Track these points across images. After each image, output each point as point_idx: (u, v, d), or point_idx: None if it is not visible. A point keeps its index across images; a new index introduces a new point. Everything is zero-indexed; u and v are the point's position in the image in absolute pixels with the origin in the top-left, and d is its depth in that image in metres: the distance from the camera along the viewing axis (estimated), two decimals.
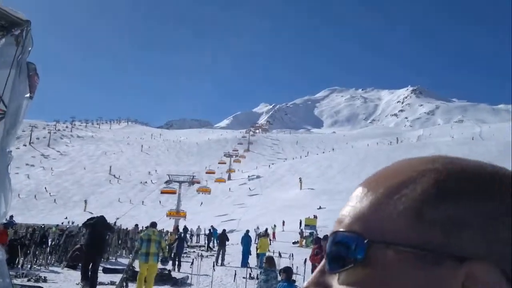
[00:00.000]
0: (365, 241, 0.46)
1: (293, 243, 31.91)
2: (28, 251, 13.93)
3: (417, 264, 0.44)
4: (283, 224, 43.12)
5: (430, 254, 0.44)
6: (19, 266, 13.05)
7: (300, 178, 79.10)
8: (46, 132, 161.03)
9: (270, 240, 25.82)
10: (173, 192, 56.71)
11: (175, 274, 14.56)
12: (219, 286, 12.94)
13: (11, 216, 25.33)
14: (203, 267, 14.55)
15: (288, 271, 7.50)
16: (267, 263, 9.17)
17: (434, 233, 0.45)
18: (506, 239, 0.44)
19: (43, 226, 26.67)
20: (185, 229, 39.49)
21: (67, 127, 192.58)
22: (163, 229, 34.98)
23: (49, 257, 15.18)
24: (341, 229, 0.49)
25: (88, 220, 11.30)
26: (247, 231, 21.64)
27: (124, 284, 10.70)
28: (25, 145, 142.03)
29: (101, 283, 11.30)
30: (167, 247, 15.16)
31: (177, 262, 17.22)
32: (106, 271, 13.86)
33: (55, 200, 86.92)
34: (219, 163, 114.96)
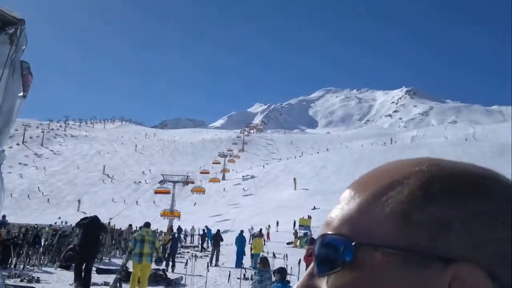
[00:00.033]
0: (353, 244, 0.47)
1: (287, 243, 31.93)
2: (21, 251, 13.82)
3: (405, 266, 0.45)
4: (277, 225, 43.13)
5: (417, 256, 0.45)
6: (12, 266, 12.94)
7: (294, 179, 79.18)
8: (40, 131, 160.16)
9: (264, 240, 25.83)
10: (167, 192, 56.59)
11: (169, 274, 14.51)
12: (213, 286, 12.92)
13: (4, 216, 25.15)
14: (197, 267, 14.52)
15: (282, 271, 7.50)
16: (261, 264, 9.17)
17: (421, 235, 0.45)
18: (493, 240, 0.45)
19: (36, 226, 26.46)
20: (179, 229, 39.42)
21: (60, 126, 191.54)
22: (157, 229, 34.88)
23: (42, 257, 15.07)
24: (329, 232, 0.49)
25: (81, 220, 11.24)
26: (241, 232, 21.63)
27: (118, 284, 10.65)
28: (18, 144, 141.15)
29: (95, 284, 11.25)
30: (161, 247, 15.12)
31: (170, 263, 17.18)
32: (99, 271, 13.79)
33: (48, 199, 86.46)
34: (213, 163, 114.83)
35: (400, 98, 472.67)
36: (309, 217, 40.06)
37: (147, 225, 11.26)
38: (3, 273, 11.44)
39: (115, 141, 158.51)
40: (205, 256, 22.84)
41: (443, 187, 0.47)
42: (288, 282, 7.45)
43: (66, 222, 49.68)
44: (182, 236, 38.97)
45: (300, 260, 12.88)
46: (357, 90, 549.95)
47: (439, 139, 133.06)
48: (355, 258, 0.46)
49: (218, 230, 22.72)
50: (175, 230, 37.03)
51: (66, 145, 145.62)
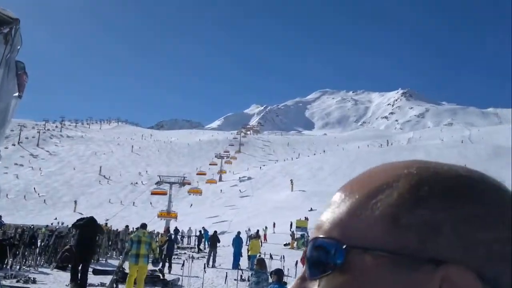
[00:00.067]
0: (344, 247, 0.47)
1: (284, 245, 31.95)
2: (17, 252, 13.76)
3: (395, 269, 0.45)
4: (274, 226, 43.13)
5: (407, 258, 0.45)
6: (8, 267, 12.88)
7: (291, 180, 79.27)
8: (35, 131, 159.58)
9: (261, 242, 25.80)
10: (164, 193, 56.60)
11: (166, 275, 14.48)
12: (210, 287, 12.90)
13: (0, 217, 25.06)
14: (194, 268, 14.47)
15: (279, 273, 7.48)
16: (258, 265, 9.15)
17: (410, 238, 0.46)
18: (482, 242, 0.45)
19: (32, 227, 26.38)
20: (176, 230, 39.36)
21: (56, 126, 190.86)
22: (154, 230, 34.84)
23: (39, 258, 15.02)
24: (320, 235, 0.50)
25: (77, 220, 11.20)
26: (238, 233, 21.62)
27: (114, 285, 10.63)
28: (14, 145, 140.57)
29: (91, 285, 11.20)
30: (158, 248, 15.09)
31: (167, 264, 17.14)
32: (96, 272, 13.74)
33: (44, 200, 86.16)
34: (210, 164, 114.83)
35: (396, 100, 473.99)
36: (306, 219, 40.09)
37: (144, 226, 11.24)
38: None
39: (111, 142, 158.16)
40: (202, 257, 22.78)
41: (432, 189, 0.47)
42: (285, 283, 7.44)
43: (62, 223, 49.52)
44: (179, 237, 38.91)
45: (297, 261, 12.88)
46: (353, 92, 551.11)
47: (435, 141, 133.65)
48: (346, 261, 0.47)
49: (215, 232, 22.72)
50: (172, 231, 36.99)
51: (62, 145, 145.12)
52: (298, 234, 35.01)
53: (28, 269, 13.59)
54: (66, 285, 10.92)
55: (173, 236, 23.18)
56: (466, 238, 0.45)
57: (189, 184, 78.60)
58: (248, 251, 19.37)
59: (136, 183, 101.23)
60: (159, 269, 15.31)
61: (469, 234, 0.45)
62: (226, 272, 13.62)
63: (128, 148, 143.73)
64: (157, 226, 45.61)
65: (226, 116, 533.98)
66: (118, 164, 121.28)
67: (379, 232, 0.47)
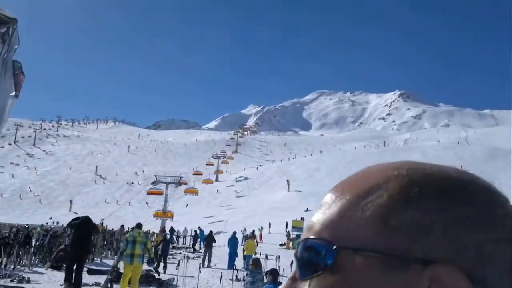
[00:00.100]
0: (334, 248, 0.47)
1: (280, 245, 31.99)
2: (12, 251, 13.74)
3: (385, 269, 0.45)
4: (270, 226, 43.18)
5: (397, 259, 0.45)
6: (2, 266, 12.86)
7: (288, 180, 79.39)
8: (32, 131, 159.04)
9: (257, 242, 25.83)
10: (160, 193, 56.51)
11: (161, 275, 14.49)
12: (205, 287, 12.91)
13: None
14: (189, 268, 14.48)
15: (274, 273, 7.51)
16: (254, 265, 9.18)
17: (400, 238, 0.46)
18: (472, 243, 0.46)
19: (27, 226, 26.38)
20: (172, 230, 39.33)
21: (53, 126, 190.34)
22: (150, 230, 34.81)
23: (33, 257, 15.00)
24: (311, 236, 0.50)
25: (73, 220, 11.19)
26: (234, 233, 21.64)
27: (109, 285, 10.64)
28: (10, 144, 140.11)
29: (86, 284, 11.20)
30: (153, 248, 15.10)
31: (162, 263, 17.14)
32: (91, 272, 13.73)
33: (40, 200, 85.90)
34: (206, 164, 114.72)
35: (393, 101, 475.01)
36: (302, 219, 40.13)
37: (139, 226, 11.25)
38: None
39: (108, 141, 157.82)
40: (197, 257, 22.79)
41: (422, 191, 0.48)
42: (280, 283, 7.30)
43: (57, 223, 49.43)
44: (174, 237, 38.88)
45: (292, 261, 12.90)
46: (350, 93, 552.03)
47: (432, 142, 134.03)
48: (336, 262, 0.47)
49: (211, 232, 22.71)
50: (167, 231, 36.95)
51: (58, 145, 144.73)
52: (294, 234, 35.04)
53: (23, 268, 13.57)
54: (61, 285, 10.91)
55: (168, 236, 23.18)
56: (455, 239, 0.46)
57: (185, 184, 78.53)
58: (243, 251, 19.40)
59: (132, 183, 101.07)
60: (154, 268, 15.33)
61: (459, 235, 0.46)
62: (221, 272, 13.65)
63: (124, 148, 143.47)
64: (153, 226, 45.58)
65: (223, 116, 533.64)
66: (114, 164, 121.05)
67: (369, 233, 0.47)
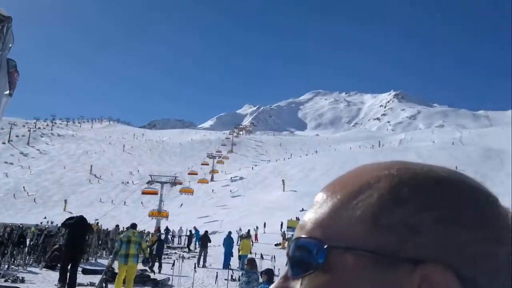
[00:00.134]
0: (325, 247, 0.48)
1: (275, 245, 32.00)
2: (6, 251, 13.66)
3: (375, 268, 0.46)
4: (264, 226, 43.19)
5: (387, 258, 0.46)
6: None
7: (283, 180, 79.44)
8: (26, 130, 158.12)
9: (252, 242, 25.81)
10: (155, 193, 56.36)
11: (156, 275, 14.46)
12: (200, 287, 12.89)
13: None
14: (184, 268, 14.46)
15: (269, 273, 7.51)
16: (249, 265, 9.18)
17: (390, 238, 0.46)
18: (461, 242, 0.46)
19: (21, 226, 26.22)
20: (167, 230, 39.26)
21: (47, 125, 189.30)
22: (145, 230, 34.70)
23: (27, 257, 14.93)
24: (303, 235, 0.51)
25: (67, 219, 11.14)
26: (229, 233, 21.64)
27: (104, 285, 10.59)
28: (4, 143, 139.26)
29: (80, 284, 11.15)
30: (148, 248, 15.06)
31: (157, 263, 17.11)
32: (85, 272, 13.69)
33: (34, 199, 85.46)
34: (202, 164, 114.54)
35: (388, 102, 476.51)
36: (298, 219, 40.17)
37: (134, 226, 11.23)
38: None
39: (103, 141, 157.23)
40: (193, 257, 22.77)
41: (412, 190, 0.48)
42: None
43: (52, 222, 49.17)
44: (169, 237, 38.82)
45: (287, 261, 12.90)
46: (346, 93, 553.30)
47: (427, 143, 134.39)
48: (327, 261, 0.47)
49: (206, 231, 22.70)
50: (162, 230, 36.88)
51: (52, 144, 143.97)
52: (289, 234, 35.07)
53: (17, 268, 13.50)
54: (55, 285, 10.86)
55: (162, 236, 23.12)
56: (445, 238, 0.46)
57: (180, 183, 78.36)
58: (239, 251, 19.40)
59: (127, 182, 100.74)
60: (149, 267, 15.29)
61: (448, 235, 0.46)
62: (217, 272, 13.62)
63: (119, 147, 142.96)
64: (148, 225, 45.46)
65: (219, 116, 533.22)
66: (109, 163, 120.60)
67: (360, 232, 0.47)
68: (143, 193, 61.70)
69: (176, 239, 40.33)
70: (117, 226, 28.05)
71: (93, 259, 18.20)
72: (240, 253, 18.83)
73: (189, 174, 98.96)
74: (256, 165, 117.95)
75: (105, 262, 16.25)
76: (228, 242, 19.73)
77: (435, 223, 0.46)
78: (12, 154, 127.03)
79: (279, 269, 13.43)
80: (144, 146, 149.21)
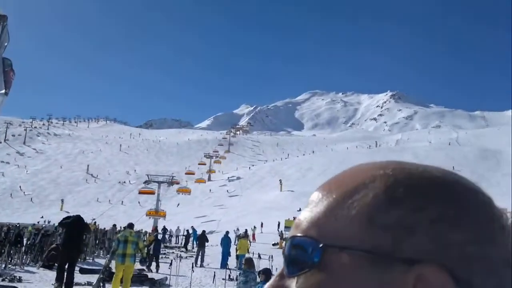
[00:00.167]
0: (320, 246, 0.48)
1: (273, 244, 32.01)
2: (3, 251, 13.64)
3: (370, 268, 0.46)
4: (262, 226, 43.20)
5: (382, 258, 0.46)
6: None
7: (280, 180, 79.53)
8: (22, 129, 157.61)
9: (249, 241, 25.82)
10: (152, 193, 56.20)
11: (153, 275, 14.45)
12: (198, 287, 12.89)
13: None
14: (182, 268, 14.45)
15: (267, 272, 7.51)
16: (246, 265, 9.17)
17: (385, 237, 0.47)
18: (456, 242, 0.46)
19: (18, 225, 26.17)
20: (164, 229, 39.22)
21: (43, 124, 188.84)
22: (142, 229, 34.68)
23: (24, 256, 14.90)
24: (298, 234, 0.51)
25: (64, 219, 11.10)
26: (227, 232, 21.66)
27: (101, 284, 10.57)
28: (0, 142, 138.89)
29: (78, 284, 11.13)
30: (145, 247, 15.05)
31: (154, 263, 17.09)
32: (83, 271, 13.67)
33: (31, 199, 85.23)
34: (199, 164, 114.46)
35: (385, 102, 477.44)
36: (295, 219, 40.04)
37: (131, 226, 11.23)
38: None
39: (99, 140, 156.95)
40: (190, 256, 22.75)
41: (407, 190, 0.48)
42: None
43: (49, 222, 49.10)
44: (167, 236, 38.76)
45: None
46: (342, 94, 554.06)
47: (423, 143, 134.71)
48: (322, 260, 0.47)
49: (204, 231, 22.70)
50: (160, 230, 36.83)
51: (49, 143, 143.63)
52: (286, 234, 35.06)
53: (14, 267, 13.48)
54: (52, 284, 10.83)
55: (159, 236, 23.08)
56: (440, 238, 0.46)
57: (177, 183, 78.29)
58: (236, 250, 19.40)
59: (124, 182, 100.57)
60: (147, 267, 15.26)
61: (443, 235, 0.46)
62: (214, 272, 13.64)
63: (116, 147, 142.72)
64: (145, 225, 45.38)
65: (216, 115, 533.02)
66: (106, 162, 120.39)
67: (355, 232, 0.48)
68: (140, 193, 61.45)
69: (173, 239, 40.29)
70: (114, 225, 27.99)
71: (91, 258, 18.17)
72: (238, 252, 18.83)
73: (186, 174, 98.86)
74: (253, 165, 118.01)
75: (103, 261, 16.23)
76: (225, 241, 19.73)
77: (430, 223, 0.47)
78: (8, 153, 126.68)
79: (276, 268, 13.31)
80: (141, 145, 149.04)
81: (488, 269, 0.46)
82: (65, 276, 10.10)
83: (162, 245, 23.77)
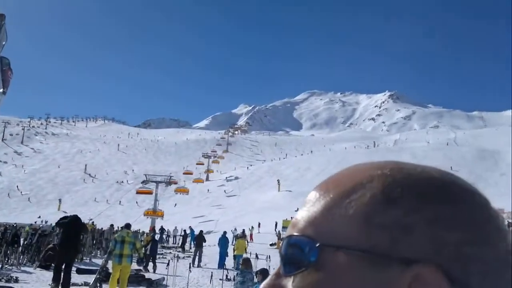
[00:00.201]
0: (317, 245, 0.48)
1: (271, 244, 31.99)
2: (0, 251, 13.59)
3: (366, 267, 0.46)
4: (259, 226, 43.19)
5: (379, 257, 0.46)
6: None
7: (278, 180, 79.51)
8: (20, 128, 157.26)
9: (247, 241, 25.80)
10: (149, 193, 56.16)
11: (150, 275, 14.42)
12: (195, 287, 12.87)
13: None
14: (179, 268, 14.43)
15: (264, 272, 7.50)
16: (244, 265, 9.16)
17: (382, 237, 0.47)
18: (452, 242, 0.46)
19: (15, 225, 26.10)
20: (162, 229, 39.17)
21: (41, 123, 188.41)
22: (139, 229, 34.62)
23: (21, 257, 14.85)
24: (295, 233, 0.51)
25: (61, 219, 11.07)
26: (225, 233, 21.65)
27: (98, 284, 10.55)
28: None
29: (75, 284, 11.10)
30: (143, 248, 15.02)
31: (151, 263, 17.06)
32: (80, 271, 13.64)
33: (29, 198, 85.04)
34: (197, 163, 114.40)
35: (383, 102, 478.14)
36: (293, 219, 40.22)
37: (128, 226, 11.22)
38: None
39: (98, 140, 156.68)
40: (188, 257, 22.72)
41: (404, 191, 0.49)
42: None
43: (46, 222, 48.94)
44: (164, 236, 38.72)
45: None
46: (341, 94, 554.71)
47: (421, 143, 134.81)
48: (319, 259, 0.47)
49: (201, 231, 22.68)
50: (157, 230, 36.79)
51: (47, 143, 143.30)
52: (284, 234, 35.06)
53: (11, 268, 13.43)
54: (49, 284, 10.80)
55: (157, 236, 23.05)
56: (436, 238, 0.46)
57: (175, 183, 78.23)
58: (234, 250, 19.38)
59: (122, 182, 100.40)
60: (144, 267, 15.22)
61: (439, 235, 0.46)
62: (212, 272, 13.60)
63: (114, 147, 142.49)
64: (143, 225, 45.33)
65: (214, 115, 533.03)
66: (104, 162, 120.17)
67: (352, 231, 0.48)
68: (138, 192, 61.38)
69: (171, 239, 40.23)
70: (112, 225, 27.95)
71: (88, 258, 18.13)
72: (235, 253, 18.81)
73: (184, 173, 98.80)
74: (251, 165, 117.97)
75: (100, 261, 16.19)
76: (223, 242, 19.72)
77: (427, 223, 0.47)
78: (6, 153, 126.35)
79: (273, 269, 13.25)
80: (139, 145, 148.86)
81: (485, 269, 0.47)
82: (62, 276, 10.08)
83: (159, 245, 23.75)
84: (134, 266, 11.50)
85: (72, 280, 10.61)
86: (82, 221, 11.41)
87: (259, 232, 41.13)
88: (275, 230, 38.05)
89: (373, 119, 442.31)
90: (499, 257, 0.48)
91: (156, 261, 17.57)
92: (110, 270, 10.84)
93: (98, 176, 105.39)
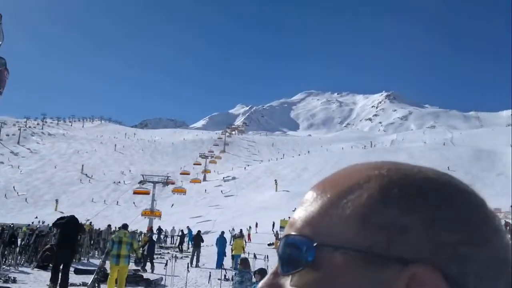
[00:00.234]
0: (314, 245, 0.48)
1: (268, 244, 32.00)
2: None
3: (363, 267, 0.46)
4: (256, 226, 43.19)
5: (376, 257, 0.46)
6: None
7: (275, 180, 79.58)
8: (16, 129, 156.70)
9: (245, 241, 25.81)
10: (146, 193, 56.09)
11: (148, 275, 14.40)
12: (193, 287, 12.86)
13: None
14: (177, 268, 14.42)
15: (262, 272, 7.51)
16: (242, 265, 9.17)
17: (379, 237, 0.47)
18: (449, 243, 0.47)
19: (12, 226, 26.02)
20: (159, 229, 39.14)
21: (38, 124, 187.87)
22: (137, 229, 34.59)
23: (19, 257, 14.82)
24: (293, 233, 0.51)
25: (58, 219, 11.06)
26: (222, 233, 21.64)
27: (96, 285, 10.55)
28: None
29: (73, 284, 11.08)
30: (140, 248, 15.01)
31: (148, 263, 17.05)
32: (77, 272, 13.61)
33: (25, 199, 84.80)
34: (194, 164, 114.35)
35: (380, 103, 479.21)
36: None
37: (125, 226, 11.21)
38: None
39: (94, 140, 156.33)
40: (186, 257, 22.72)
41: (401, 191, 0.49)
42: None
43: (43, 222, 48.83)
44: (162, 236, 38.68)
45: None
46: (338, 94, 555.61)
47: (418, 144, 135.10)
48: (316, 259, 0.48)
49: (199, 231, 22.67)
50: (155, 230, 36.76)
51: (43, 143, 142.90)
52: (281, 234, 35.06)
53: (8, 268, 13.40)
54: (47, 285, 10.78)
55: (154, 237, 23.01)
56: (433, 239, 0.46)
57: (172, 183, 78.16)
58: (232, 250, 19.38)
59: (119, 182, 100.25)
60: (141, 267, 15.20)
61: (436, 235, 0.47)
62: (210, 272, 13.61)
63: (111, 147, 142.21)
64: (140, 225, 45.29)
65: (211, 115, 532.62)
66: (100, 162, 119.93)
67: (349, 231, 0.48)
68: (135, 193, 61.26)
69: (169, 239, 40.20)
70: (109, 226, 27.93)
71: (85, 259, 18.11)
72: (233, 252, 18.81)
73: (181, 174, 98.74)
74: (248, 165, 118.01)
75: (97, 262, 16.17)
76: (221, 242, 19.72)
77: (424, 223, 0.47)
78: (2, 153, 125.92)
79: (272, 268, 13.44)
80: (136, 145, 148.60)
81: (481, 269, 0.47)
82: (59, 276, 10.06)
83: (157, 246, 23.72)
84: (132, 266, 11.48)
85: (70, 281, 10.59)
86: (80, 222, 11.40)
87: (256, 232, 41.14)
88: (272, 230, 38.05)
89: (370, 119, 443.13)
90: (496, 257, 0.48)
91: (154, 261, 17.56)
92: (108, 271, 10.83)
93: (95, 176, 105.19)
